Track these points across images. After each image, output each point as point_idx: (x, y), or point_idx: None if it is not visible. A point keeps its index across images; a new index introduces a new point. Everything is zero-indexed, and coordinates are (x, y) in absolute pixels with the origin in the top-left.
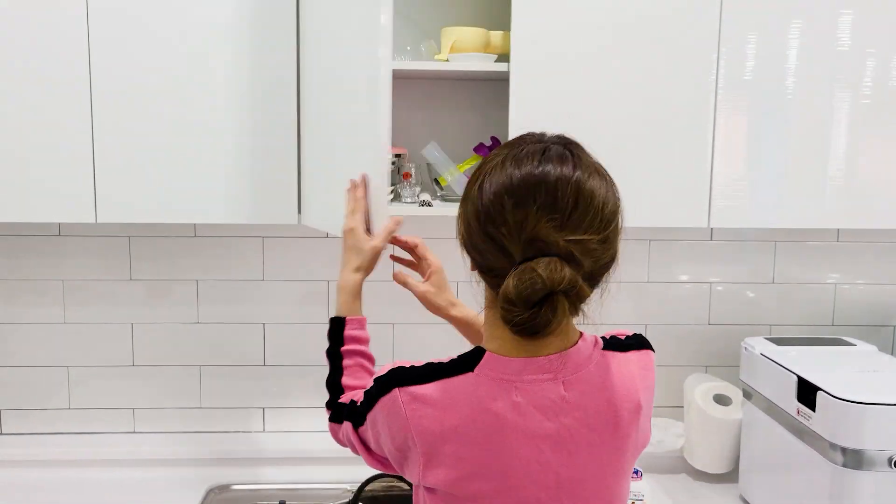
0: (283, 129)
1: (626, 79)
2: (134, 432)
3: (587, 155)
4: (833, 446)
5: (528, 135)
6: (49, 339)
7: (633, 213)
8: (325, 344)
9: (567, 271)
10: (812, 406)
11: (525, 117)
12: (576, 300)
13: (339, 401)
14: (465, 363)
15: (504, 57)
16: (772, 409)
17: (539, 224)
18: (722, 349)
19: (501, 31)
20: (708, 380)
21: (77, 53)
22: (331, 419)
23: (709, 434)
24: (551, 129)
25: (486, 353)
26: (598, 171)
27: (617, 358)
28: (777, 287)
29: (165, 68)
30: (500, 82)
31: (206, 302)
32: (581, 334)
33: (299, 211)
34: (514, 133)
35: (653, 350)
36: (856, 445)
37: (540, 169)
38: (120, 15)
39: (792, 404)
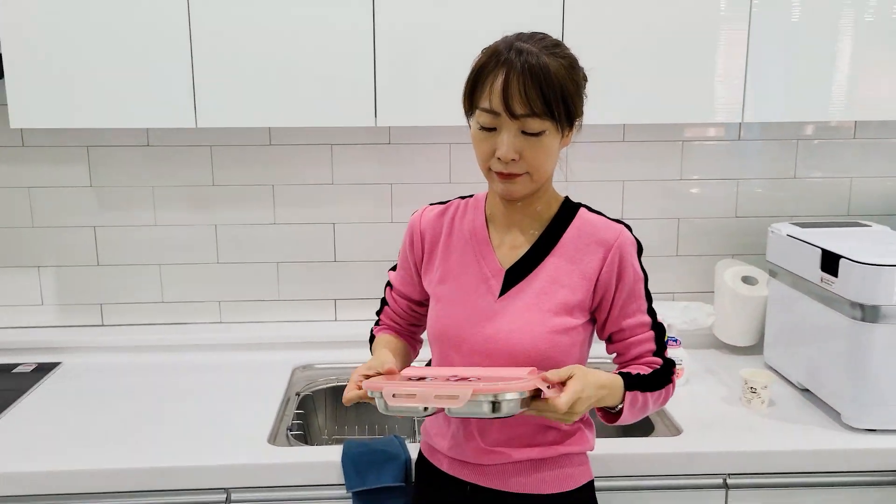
0: (358, 28)
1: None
2: (220, 322)
3: None
4: (853, 304)
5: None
6: (142, 241)
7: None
8: (388, 240)
9: None
10: (835, 273)
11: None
12: None
13: None
14: None
15: None
16: (797, 283)
17: None
18: (748, 239)
19: None
20: (736, 264)
21: None
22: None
23: (737, 311)
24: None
25: None
26: None
27: None
28: (798, 182)
29: None
30: None
31: (281, 204)
32: None
33: (375, 114)
34: None
35: None
36: (874, 301)
37: None
38: None
39: (816, 274)
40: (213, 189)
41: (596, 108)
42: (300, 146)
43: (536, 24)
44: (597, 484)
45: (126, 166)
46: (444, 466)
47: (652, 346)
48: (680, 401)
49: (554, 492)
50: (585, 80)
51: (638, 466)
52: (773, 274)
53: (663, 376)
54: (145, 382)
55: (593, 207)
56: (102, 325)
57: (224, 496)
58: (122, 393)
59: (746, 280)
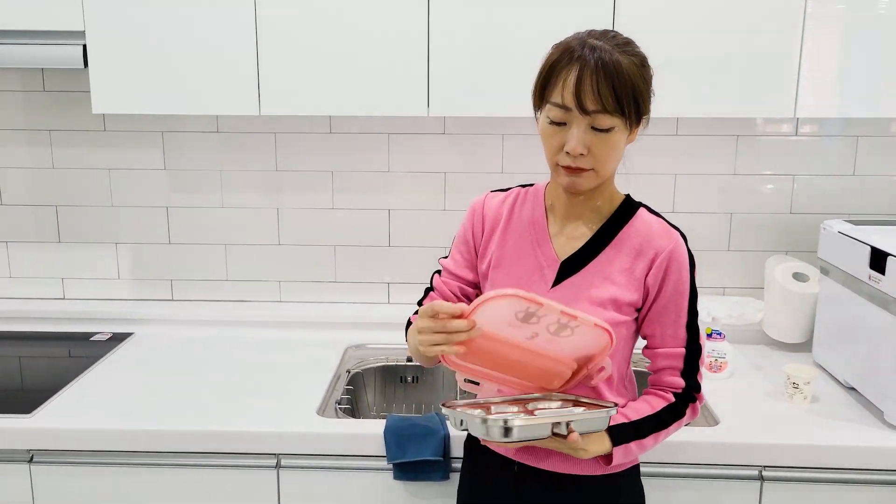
0: (413, 22)
1: None
2: (280, 301)
3: None
4: None
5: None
6: (210, 222)
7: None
8: (441, 227)
9: None
10: (882, 271)
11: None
12: None
13: None
14: None
15: None
16: (847, 281)
17: None
18: (802, 236)
19: None
20: (788, 260)
21: None
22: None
23: (787, 307)
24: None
25: None
26: None
27: None
28: (857, 179)
29: None
30: None
31: (340, 190)
32: None
33: (428, 104)
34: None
35: None
36: None
37: None
38: None
39: (864, 272)
40: (276, 174)
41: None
42: (359, 135)
43: (588, 13)
44: None
45: (197, 151)
46: (493, 445)
47: (679, 364)
48: (722, 394)
49: (602, 473)
50: (652, 77)
51: (673, 454)
52: (824, 271)
53: (672, 412)
54: (208, 354)
55: (653, 208)
56: (172, 300)
57: (274, 461)
58: (187, 362)
59: (797, 277)
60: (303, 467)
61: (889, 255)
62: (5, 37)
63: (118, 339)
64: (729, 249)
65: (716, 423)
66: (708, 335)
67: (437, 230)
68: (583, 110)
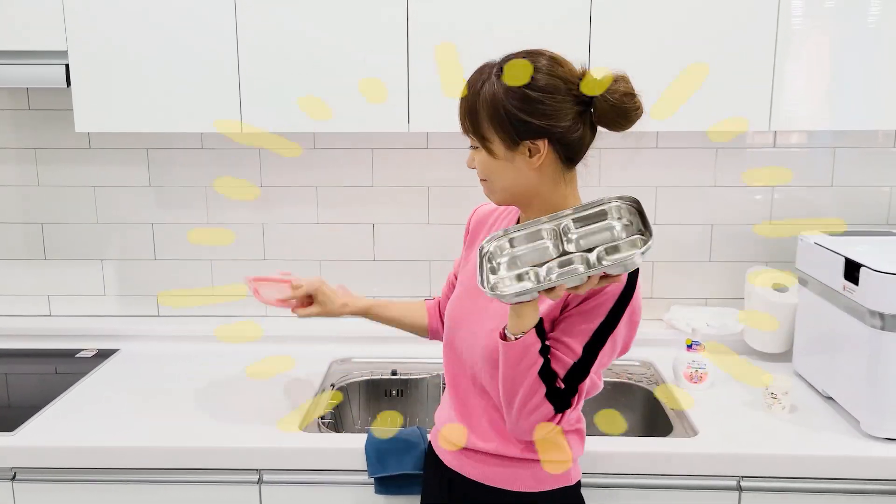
0: (393, 41)
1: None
2: (266, 315)
3: None
4: (873, 313)
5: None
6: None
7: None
8: (426, 240)
9: None
10: (856, 281)
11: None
12: None
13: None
14: None
15: None
16: (823, 291)
17: None
18: (781, 247)
19: None
20: (768, 271)
21: None
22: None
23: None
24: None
25: None
26: None
27: None
28: (835, 190)
29: None
30: None
31: (324, 205)
32: None
33: (408, 120)
34: None
35: None
36: (893, 310)
37: None
38: None
39: (839, 282)
40: (261, 189)
41: None
42: (342, 150)
43: (564, 35)
44: (609, 482)
45: (182, 167)
46: (438, 451)
47: (561, 371)
48: (701, 404)
49: (530, 490)
50: (533, 101)
51: (653, 465)
52: (802, 282)
53: (553, 388)
54: (194, 369)
55: None
56: (158, 316)
57: (256, 476)
58: (173, 378)
59: (777, 287)
60: (285, 482)
61: (861, 265)
62: None
63: (104, 355)
64: (710, 260)
65: (695, 433)
66: (688, 346)
67: (422, 244)
68: (464, 132)
